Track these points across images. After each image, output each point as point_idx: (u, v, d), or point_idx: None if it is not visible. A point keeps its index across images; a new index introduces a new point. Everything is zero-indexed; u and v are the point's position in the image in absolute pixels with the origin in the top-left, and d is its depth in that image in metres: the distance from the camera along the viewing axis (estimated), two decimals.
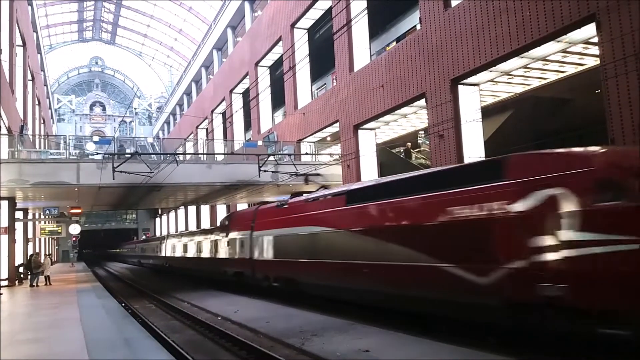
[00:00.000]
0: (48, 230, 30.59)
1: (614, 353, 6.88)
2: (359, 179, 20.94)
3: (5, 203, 20.72)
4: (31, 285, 21.43)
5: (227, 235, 20.78)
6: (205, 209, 42.34)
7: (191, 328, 13.20)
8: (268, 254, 16.76)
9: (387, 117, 20.37)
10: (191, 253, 27.19)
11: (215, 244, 22.53)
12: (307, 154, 24.93)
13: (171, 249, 32.45)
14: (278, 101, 31.97)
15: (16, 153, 20.72)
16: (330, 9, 23.51)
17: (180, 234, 32.11)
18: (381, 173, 21.06)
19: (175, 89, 62.03)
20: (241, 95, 36.69)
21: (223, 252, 21.21)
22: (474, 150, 15.38)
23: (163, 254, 34.70)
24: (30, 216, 29.30)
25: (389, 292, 10.68)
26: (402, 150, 22.58)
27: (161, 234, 59.16)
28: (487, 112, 16.86)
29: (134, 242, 58.53)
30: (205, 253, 24.06)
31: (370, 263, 11.19)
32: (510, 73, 15.47)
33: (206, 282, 24.64)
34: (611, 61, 10.44)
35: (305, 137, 25.92)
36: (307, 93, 27.22)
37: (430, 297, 9.50)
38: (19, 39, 27.64)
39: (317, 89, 30.30)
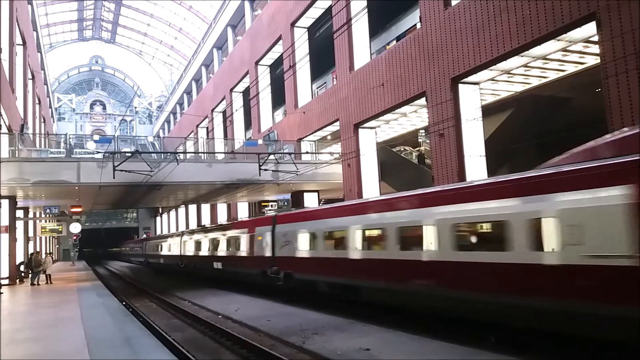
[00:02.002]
0: (49, 229, 30.50)
1: (614, 354, 6.90)
2: (359, 178, 20.95)
3: (5, 202, 20.73)
4: (32, 284, 21.46)
5: None
6: (205, 208, 42.38)
7: (192, 327, 13.22)
8: None
9: (387, 116, 20.37)
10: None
11: None
12: (307, 152, 24.94)
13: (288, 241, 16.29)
14: (278, 100, 31.97)
15: (17, 152, 20.77)
16: (330, 7, 23.49)
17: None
18: (382, 172, 21.11)
19: (176, 87, 62.07)
20: (241, 94, 36.70)
21: None
22: (474, 148, 15.41)
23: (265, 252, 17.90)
24: (30, 215, 29.32)
25: None
26: (407, 150, 22.60)
27: (162, 232, 58.31)
28: (488, 110, 16.87)
29: (168, 236, 36.91)
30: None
31: None
32: (511, 72, 15.49)
33: (206, 281, 24.53)
34: (611, 60, 10.44)
35: (306, 136, 25.93)
36: (307, 92, 27.21)
37: None
38: (19, 37, 27.62)
39: (317, 88, 30.29)
